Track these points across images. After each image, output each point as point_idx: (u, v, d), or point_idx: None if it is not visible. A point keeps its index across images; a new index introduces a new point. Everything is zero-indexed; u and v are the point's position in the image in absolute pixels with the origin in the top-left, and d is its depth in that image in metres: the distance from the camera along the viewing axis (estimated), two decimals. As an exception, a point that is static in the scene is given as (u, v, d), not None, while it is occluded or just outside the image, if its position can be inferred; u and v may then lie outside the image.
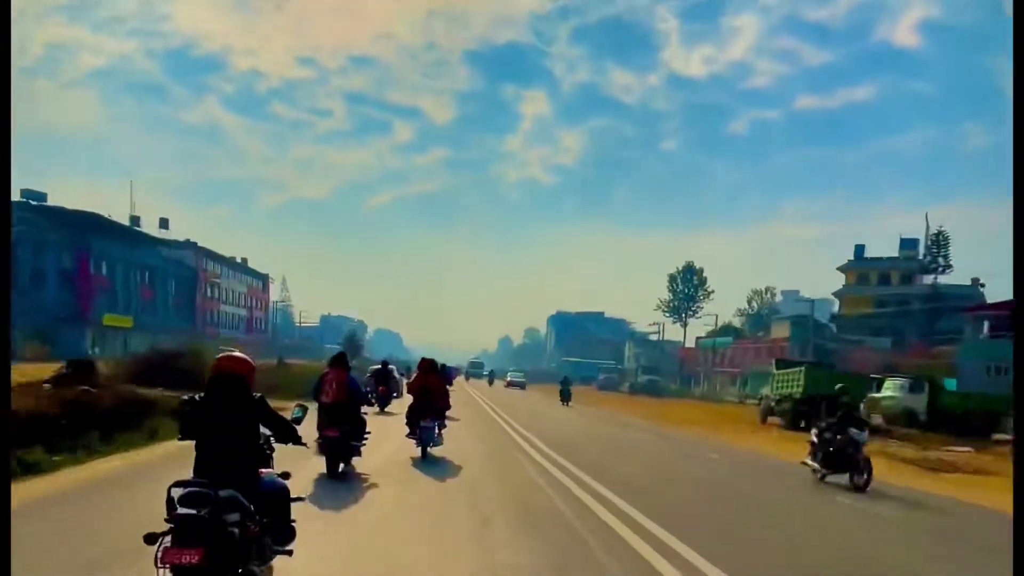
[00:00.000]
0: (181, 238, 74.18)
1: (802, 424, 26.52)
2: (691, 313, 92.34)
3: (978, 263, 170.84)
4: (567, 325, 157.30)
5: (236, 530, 4.14)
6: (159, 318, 65.33)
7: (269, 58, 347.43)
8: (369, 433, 11.31)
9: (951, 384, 32.33)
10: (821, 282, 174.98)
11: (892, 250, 70.94)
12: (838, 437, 12.21)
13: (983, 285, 62.46)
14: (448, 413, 15.48)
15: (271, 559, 4.79)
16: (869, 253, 71.80)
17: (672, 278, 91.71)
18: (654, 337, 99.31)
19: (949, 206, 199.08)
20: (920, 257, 68.67)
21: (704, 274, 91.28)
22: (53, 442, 10.04)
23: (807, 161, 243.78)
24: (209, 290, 78.14)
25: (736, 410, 42.79)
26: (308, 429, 13.16)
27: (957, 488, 13.41)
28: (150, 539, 3.88)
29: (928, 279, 66.33)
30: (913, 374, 32.56)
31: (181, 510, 4.01)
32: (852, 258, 72.49)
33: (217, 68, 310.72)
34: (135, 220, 71.35)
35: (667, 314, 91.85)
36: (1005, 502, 9.32)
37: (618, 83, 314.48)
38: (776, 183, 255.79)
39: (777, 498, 11.70)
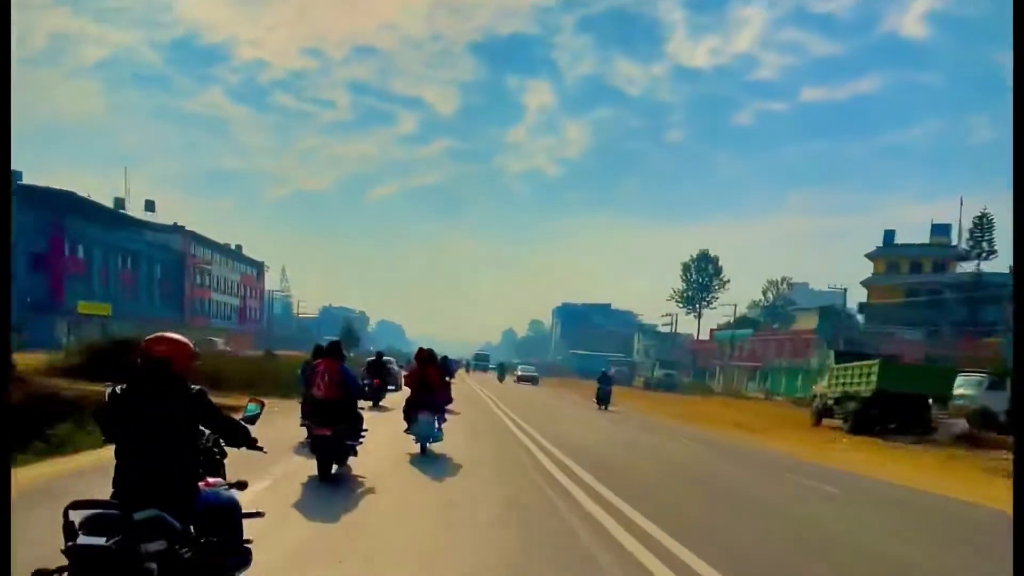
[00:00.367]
0: (168, 222, 69.59)
1: (875, 429, 22.06)
2: (706, 304, 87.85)
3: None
4: (573, 317, 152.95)
5: (155, 565, 3.23)
6: (142, 306, 60.81)
7: (273, 48, 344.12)
8: (366, 431, 10.10)
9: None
10: (831, 274, 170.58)
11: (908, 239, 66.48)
12: None
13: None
14: (449, 407, 14.94)
15: None
16: (877, 243, 67.06)
17: (686, 267, 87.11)
18: (665, 329, 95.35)
19: (957, 198, 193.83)
20: (954, 243, 63.92)
21: (720, 263, 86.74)
22: None
23: (813, 153, 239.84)
24: (199, 277, 73.55)
25: (772, 408, 38.17)
26: (293, 425, 10.68)
27: None
28: None
29: (965, 266, 61.44)
30: (986, 370, 28.20)
31: (82, 539, 3.14)
32: (880, 245, 67.66)
33: (221, 58, 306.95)
34: (119, 202, 66.67)
35: (680, 305, 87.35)
36: None
37: (623, 74, 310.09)
38: (782, 175, 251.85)
39: None
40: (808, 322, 63.45)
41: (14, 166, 57.10)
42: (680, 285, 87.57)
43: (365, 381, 17.19)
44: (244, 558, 4.06)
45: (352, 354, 41.86)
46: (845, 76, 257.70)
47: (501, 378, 53.61)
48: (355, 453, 9.69)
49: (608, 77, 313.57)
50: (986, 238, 57.32)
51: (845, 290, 55.98)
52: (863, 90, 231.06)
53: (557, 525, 7.33)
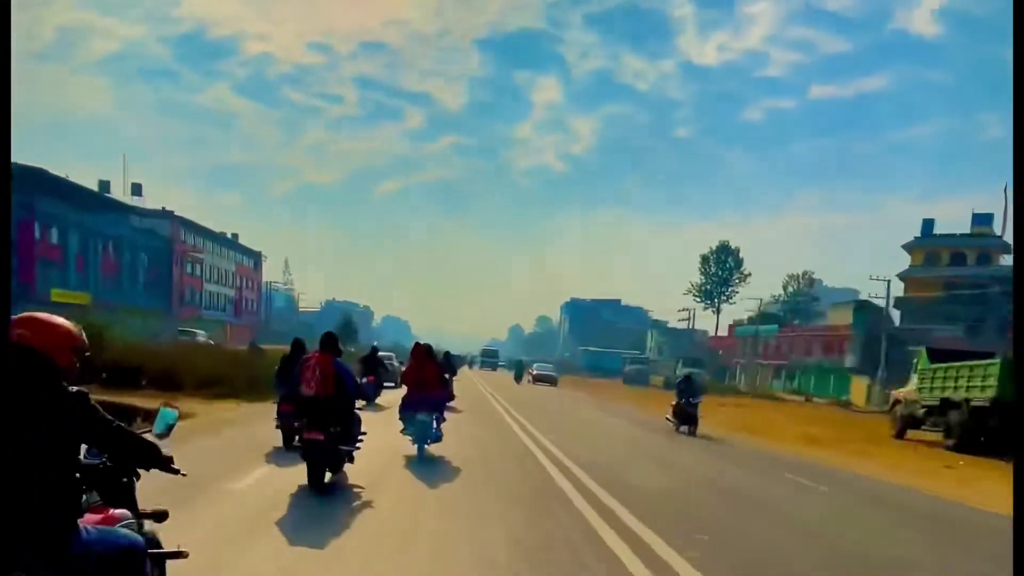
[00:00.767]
0: (156, 206, 64.88)
1: (986, 444, 17.16)
2: (724, 298, 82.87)
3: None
4: (582, 313, 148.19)
5: None
6: (125, 295, 56.07)
7: (280, 43, 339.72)
8: (364, 434, 8.79)
9: None
10: (840, 271, 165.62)
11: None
12: None
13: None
14: (451, 404, 14.32)
15: None
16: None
17: (704, 259, 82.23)
18: (682, 325, 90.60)
19: (966, 197, 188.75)
20: (998, 234, 58.75)
21: (740, 255, 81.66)
22: None
23: (822, 150, 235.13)
24: (189, 266, 68.78)
25: (823, 413, 33.18)
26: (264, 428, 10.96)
27: None
28: None
29: (1010, 258, 56.24)
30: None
31: None
32: (918, 235, 62.43)
33: (228, 53, 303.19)
34: (104, 185, 62.07)
35: (698, 299, 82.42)
36: None
37: (631, 70, 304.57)
38: (791, 172, 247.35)
39: None
40: (841, 317, 58.38)
41: (19, 161, 53.31)
42: (697, 278, 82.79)
43: (365, 380, 15.65)
44: None
45: (352, 349, 36.68)
46: (854, 73, 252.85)
47: (518, 378, 45.89)
48: (351, 459, 8.43)
49: (616, 73, 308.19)
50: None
51: (888, 281, 50.50)
52: (872, 87, 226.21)
53: None
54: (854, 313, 55.78)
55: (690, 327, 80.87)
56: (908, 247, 61.92)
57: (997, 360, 17.72)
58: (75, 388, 2.75)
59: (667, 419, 19.50)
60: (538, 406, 25.72)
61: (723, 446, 17.13)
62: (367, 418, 9.37)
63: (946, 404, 19.16)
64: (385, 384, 20.85)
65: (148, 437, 3.11)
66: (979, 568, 7.19)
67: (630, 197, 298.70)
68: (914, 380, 21.40)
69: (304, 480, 7.69)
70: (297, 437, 8.81)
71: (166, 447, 3.10)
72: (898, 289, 60.03)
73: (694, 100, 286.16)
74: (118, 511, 3.09)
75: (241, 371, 21.19)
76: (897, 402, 22.54)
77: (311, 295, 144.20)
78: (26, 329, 2.69)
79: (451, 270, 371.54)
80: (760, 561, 6.60)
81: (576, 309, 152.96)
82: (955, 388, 18.89)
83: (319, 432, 7.64)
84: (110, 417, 2.85)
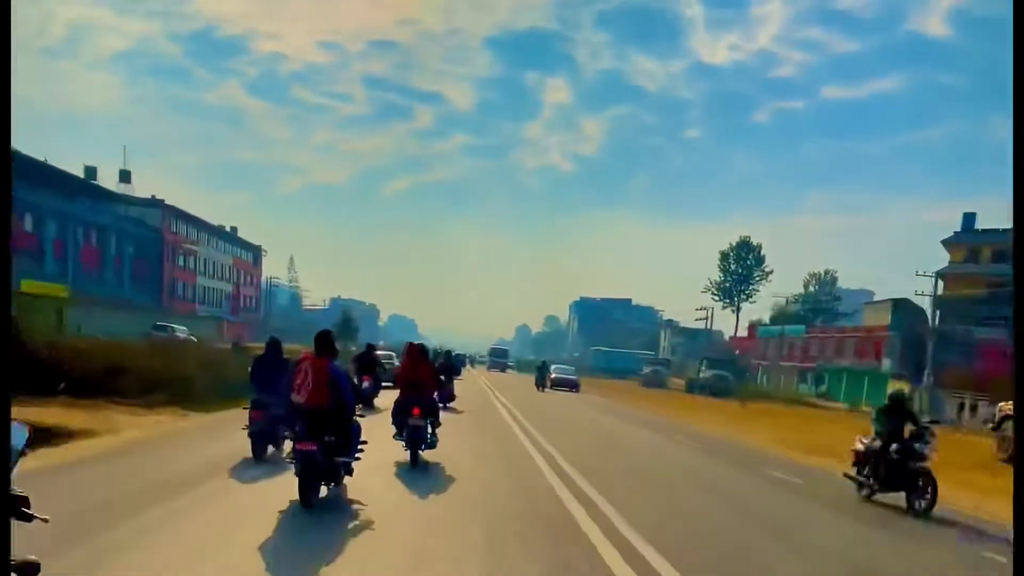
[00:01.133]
0: (146, 194, 60.76)
1: None
2: (744, 297, 78.25)
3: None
4: (592, 312, 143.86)
5: None
6: (108, 288, 52.04)
7: (291, 42, 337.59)
8: (365, 443, 7.88)
9: None
10: (851, 272, 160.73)
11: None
12: None
13: None
14: (452, 404, 15.32)
15: None
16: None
17: (724, 256, 77.57)
18: (694, 325, 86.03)
19: (977, 200, 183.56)
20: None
21: (762, 251, 76.98)
22: None
23: (832, 152, 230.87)
24: (181, 258, 64.58)
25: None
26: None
27: None
28: None
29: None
30: None
31: None
32: (958, 229, 57.75)
33: (239, 51, 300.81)
34: (91, 172, 57.91)
35: (716, 297, 77.82)
36: None
37: (641, 70, 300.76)
38: (800, 174, 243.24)
39: None
40: (876, 317, 53.74)
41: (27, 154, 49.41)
42: (712, 277, 78.20)
43: (365, 384, 14.84)
44: None
45: (353, 348, 32.85)
46: (866, 74, 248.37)
47: (541, 384, 37.32)
48: (350, 472, 7.45)
49: (626, 73, 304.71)
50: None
51: (936, 276, 45.72)
52: (884, 89, 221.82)
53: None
54: (892, 313, 51.10)
55: (707, 327, 76.26)
56: (947, 243, 57.24)
57: None
58: None
59: (849, 476, 10.54)
60: (561, 419, 21.28)
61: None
62: (363, 422, 7.95)
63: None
64: (384, 384, 18.49)
65: None
66: None
67: (639, 197, 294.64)
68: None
69: (295, 495, 6.77)
70: (271, 447, 8.77)
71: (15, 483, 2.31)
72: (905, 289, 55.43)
73: (704, 101, 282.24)
74: None
75: (210, 373, 17.52)
76: (1006, 418, 18.02)
77: (319, 293, 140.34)
78: None
79: (458, 269, 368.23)
80: None
81: (586, 308, 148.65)
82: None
83: (312, 442, 6.81)
84: None
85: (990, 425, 20.03)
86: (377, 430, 9.64)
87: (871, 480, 9.99)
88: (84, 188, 52.08)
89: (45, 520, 2.30)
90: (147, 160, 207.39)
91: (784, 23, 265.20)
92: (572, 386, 39.02)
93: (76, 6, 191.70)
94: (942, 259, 56.44)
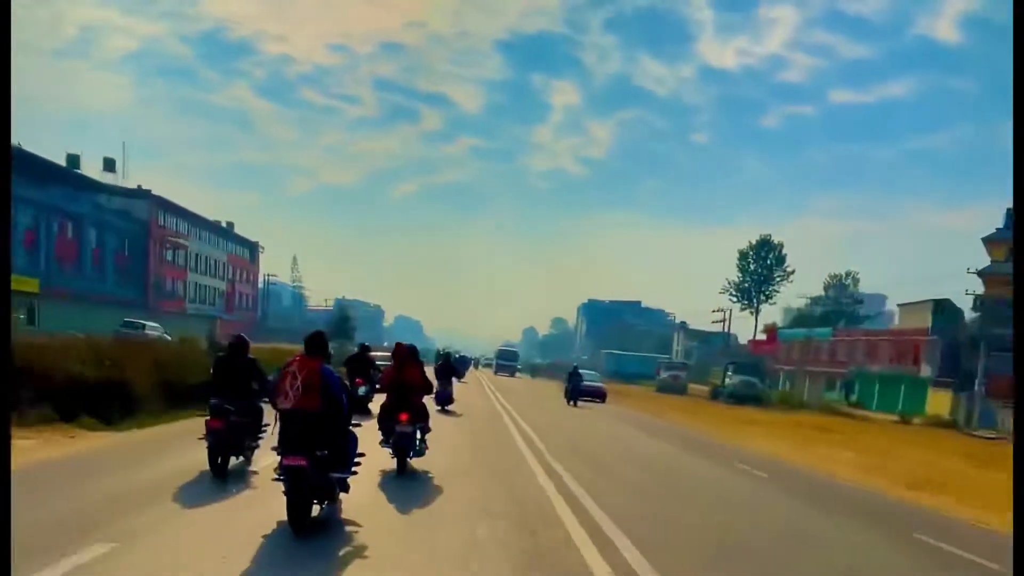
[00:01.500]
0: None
1: None
2: (764, 298, 73.86)
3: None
4: (601, 314, 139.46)
5: None
6: (88, 283, 48.08)
7: (300, 44, 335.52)
8: (363, 455, 7.04)
9: None
10: (864, 276, 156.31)
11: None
12: None
13: None
14: (450, 407, 15.13)
15: None
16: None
17: (743, 255, 73.20)
18: (704, 327, 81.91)
19: (987, 205, 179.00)
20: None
21: (783, 250, 72.53)
22: None
23: (841, 156, 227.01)
24: (170, 253, 60.54)
25: (952, 440, 24.27)
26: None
27: None
28: None
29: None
30: None
31: None
32: (1000, 226, 53.18)
33: (248, 53, 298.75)
34: (73, 160, 53.90)
35: (734, 298, 73.42)
36: None
37: (650, 74, 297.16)
38: (808, 178, 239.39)
39: None
40: (915, 319, 49.30)
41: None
42: (734, 276, 73.80)
43: (363, 389, 12.99)
44: None
45: (355, 348, 29.09)
46: (874, 79, 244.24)
47: (573, 397, 28.54)
48: (345, 488, 6.59)
49: (634, 77, 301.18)
50: None
51: (981, 272, 41.34)
52: (893, 93, 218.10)
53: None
54: (933, 315, 46.67)
55: (725, 329, 71.87)
56: (990, 240, 52.63)
57: None
58: None
59: None
60: (582, 436, 17.02)
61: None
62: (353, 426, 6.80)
63: None
64: (379, 387, 14.29)
65: None
66: None
67: (647, 200, 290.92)
68: None
69: (284, 515, 5.83)
70: (228, 457, 7.93)
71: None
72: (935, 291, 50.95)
73: (712, 105, 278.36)
74: None
75: (163, 378, 14.22)
76: None
77: (325, 294, 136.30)
78: None
79: (465, 271, 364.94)
80: None
81: (594, 311, 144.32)
82: None
83: (301, 456, 5.85)
84: None
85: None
86: (365, 436, 7.86)
87: None
88: (62, 176, 48.08)
89: None
90: (155, 160, 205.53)
91: (793, 27, 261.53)
92: (598, 396, 32.07)
93: (86, 7, 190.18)
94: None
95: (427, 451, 9.77)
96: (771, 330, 72.87)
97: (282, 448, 6.07)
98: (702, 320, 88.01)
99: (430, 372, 12.99)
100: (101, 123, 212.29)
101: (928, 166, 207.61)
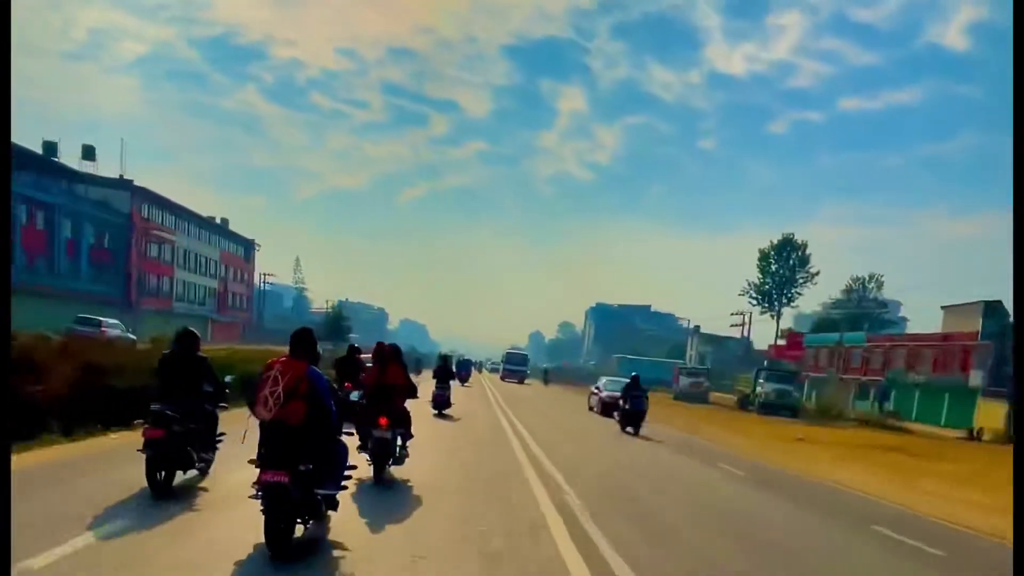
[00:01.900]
0: (113, 174, 52.63)
1: None
2: (786, 301, 69.35)
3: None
4: (609, 318, 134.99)
5: None
6: (60, 278, 43.94)
7: (309, 48, 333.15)
8: (354, 468, 6.46)
9: None
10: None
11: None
12: None
13: None
14: (447, 411, 14.35)
15: None
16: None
17: (764, 255, 68.67)
18: (720, 331, 77.40)
19: (995, 214, 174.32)
20: None
21: (807, 251, 67.93)
22: None
23: (848, 163, 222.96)
24: (156, 248, 56.37)
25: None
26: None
27: None
28: None
29: None
30: None
31: None
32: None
33: (257, 57, 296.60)
34: (50, 147, 49.82)
35: (754, 301, 68.97)
36: None
37: (657, 80, 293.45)
38: (816, 184, 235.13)
39: None
40: (962, 323, 44.66)
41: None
42: (755, 277, 69.25)
43: (357, 396, 10.60)
44: None
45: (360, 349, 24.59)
46: (883, 86, 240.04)
47: (634, 423, 19.24)
48: (334, 506, 5.80)
49: (642, 83, 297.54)
50: None
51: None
52: (901, 101, 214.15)
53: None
54: (984, 318, 42.04)
55: (745, 334, 67.27)
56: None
57: None
58: None
59: None
60: (618, 468, 12.60)
61: None
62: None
63: None
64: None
65: None
66: None
67: (654, 206, 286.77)
68: None
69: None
70: (173, 472, 6.74)
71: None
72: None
73: (720, 111, 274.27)
74: None
75: (109, 382, 11.20)
76: None
77: (330, 297, 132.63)
78: None
79: (471, 275, 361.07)
80: None
81: (603, 315, 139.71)
82: None
83: (281, 471, 5.11)
84: None
85: None
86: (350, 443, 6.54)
87: None
88: (34, 162, 43.97)
89: None
90: (163, 163, 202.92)
91: (801, 34, 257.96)
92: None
93: (97, 11, 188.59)
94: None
95: (407, 459, 9.10)
96: (794, 334, 68.25)
97: (261, 461, 5.28)
98: (712, 325, 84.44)
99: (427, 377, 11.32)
100: (110, 126, 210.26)
101: (936, 173, 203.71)
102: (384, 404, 8.71)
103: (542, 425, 19.16)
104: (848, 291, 76.10)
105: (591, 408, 27.94)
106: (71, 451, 8.71)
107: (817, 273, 67.87)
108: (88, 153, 51.17)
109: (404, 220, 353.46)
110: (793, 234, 68.35)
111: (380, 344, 9.57)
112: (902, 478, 14.35)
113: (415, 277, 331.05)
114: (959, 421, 40.31)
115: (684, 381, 48.19)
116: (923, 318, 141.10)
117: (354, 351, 14.34)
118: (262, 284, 77.62)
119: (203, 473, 7.48)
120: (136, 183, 52.38)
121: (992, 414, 39.79)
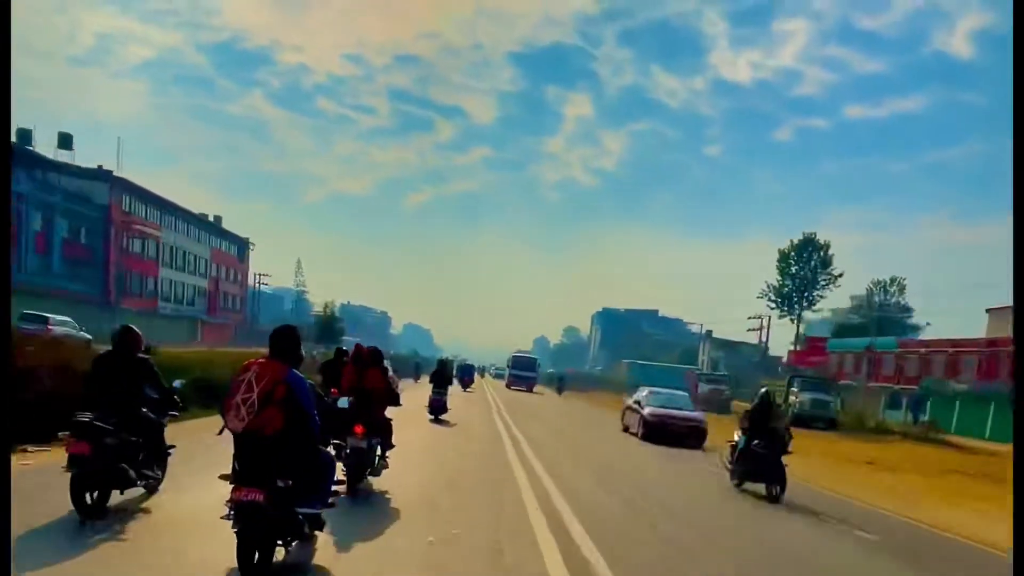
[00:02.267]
0: (92, 164, 49.02)
1: None
2: (807, 304, 65.43)
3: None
4: (616, 323, 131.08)
5: None
6: (31, 274, 40.29)
7: (316, 54, 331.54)
8: (342, 483, 6.46)
9: None
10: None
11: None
12: None
13: None
14: (444, 417, 14.31)
15: None
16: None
17: (784, 256, 64.77)
18: (731, 337, 73.77)
19: (1001, 220, 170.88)
20: None
21: (830, 251, 63.96)
22: None
23: (853, 170, 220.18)
24: (138, 244, 52.76)
25: None
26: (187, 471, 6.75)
27: None
28: None
29: None
30: None
31: None
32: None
33: (264, 62, 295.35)
34: (25, 135, 46.30)
35: (773, 304, 65.04)
36: None
37: (663, 86, 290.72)
38: (821, 191, 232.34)
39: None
40: (1003, 327, 40.75)
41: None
42: (774, 280, 65.30)
43: (348, 403, 9.35)
44: None
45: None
46: (888, 94, 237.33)
47: (779, 482, 10.63)
48: (319, 526, 5.14)
49: (648, 89, 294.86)
50: None
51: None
52: (906, 108, 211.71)
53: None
54: (1036, 320, 38.07)
55: (762, 338, 63.35)
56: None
57: None
58: None
59: None
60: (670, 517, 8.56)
61: None
62: None
63: None
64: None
65: None
66: None
67: (660, 212, 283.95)
68: None
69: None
70: (107, 493, 5.77)
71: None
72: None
73: (725, 117, 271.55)
74: None
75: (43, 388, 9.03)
76: None
77: (332, 300, 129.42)
78: None
79: (477, 281, 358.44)
80: None
81: (609, 319, 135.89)
82: None
83: (256, 488, 4.39)
84: None
85: None
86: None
87: None
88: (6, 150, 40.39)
89: None
90: (169, 167, 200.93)
91: (807, 42, 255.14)
92: (699, 431, 19.10)
93: (104, 16, 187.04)
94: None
95: (386, 470, 8.50)
96: (816, 339, 64.30)
97: (234, 477, 4.60)
98: (720, 330, 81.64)
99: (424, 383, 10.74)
100: (116, 131, 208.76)
101: (941, 180, 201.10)
102: (361, 410, 8.02)
103: (578, 470, 11.88)
104: (869, 294, 72.20)
105: (626, 429, 21.49)
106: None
107: (841, 275, 63.95)
108: (64, 142, 47.66)
109: (409, 225, 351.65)
110: (815, 233, 64.43)
111: (359, 346, 9.02)
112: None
113: (420, 282, 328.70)
114: (1003, 434, 36.49)
115: (704, 388, 44.22)
116: (938, 323, 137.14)
117: (341, 354, 12.51)
118: (256, 285, 74.02)
119: (151, 491, 6.50)
120: (122, 176, 48.76)
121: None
